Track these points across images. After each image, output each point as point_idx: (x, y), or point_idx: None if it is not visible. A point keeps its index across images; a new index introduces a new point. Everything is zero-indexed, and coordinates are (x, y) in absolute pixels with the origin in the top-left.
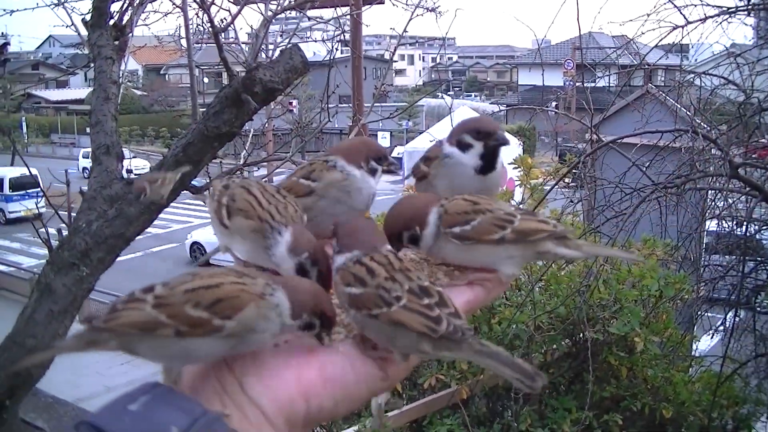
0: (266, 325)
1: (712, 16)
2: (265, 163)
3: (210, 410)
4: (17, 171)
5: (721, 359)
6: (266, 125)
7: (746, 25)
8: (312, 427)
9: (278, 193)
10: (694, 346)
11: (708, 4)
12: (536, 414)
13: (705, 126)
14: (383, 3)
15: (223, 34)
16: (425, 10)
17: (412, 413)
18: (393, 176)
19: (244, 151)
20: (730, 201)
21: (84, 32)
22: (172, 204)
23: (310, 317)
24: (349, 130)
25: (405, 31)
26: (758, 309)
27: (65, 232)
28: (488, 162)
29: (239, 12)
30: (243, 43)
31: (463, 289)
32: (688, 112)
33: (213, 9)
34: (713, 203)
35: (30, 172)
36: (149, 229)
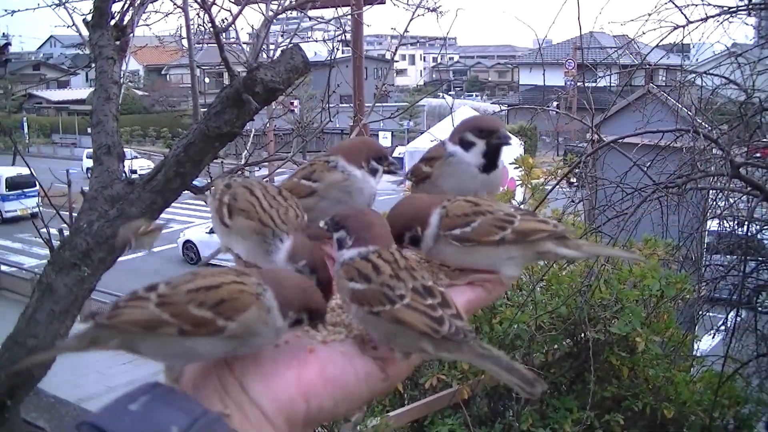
0: (265, 329)
1: (713, 16)
2: (266, 163)
3: (210, 410)
4: (13, 170)
5: (723, 359)
6: (267, 125)
7: (747, 24)
8: (312, 427)
9: (280, 195)
10: (695, 346)
11: (709, 4)
12: (537, 414)
13: (706, 126)
14: (384, 3)
15: (224, 34)
16: (426, 10)
17: (413, 413)
18: (394, 176)
19: (246, 151)
20: (732, 201)
21: (85, 32)
22: (173, 204)
23: (298, 313)
24: (350, 130)
25: (406, 31)
26: (759, 309)
27: (66, 233)
28: (491, 160)
29: (240, 12)
30: (244, 43)
31: (464, 289)
32: (689, 112)
33: (214, 9)
34: (714, 203)
35: (31, 171)
36: None
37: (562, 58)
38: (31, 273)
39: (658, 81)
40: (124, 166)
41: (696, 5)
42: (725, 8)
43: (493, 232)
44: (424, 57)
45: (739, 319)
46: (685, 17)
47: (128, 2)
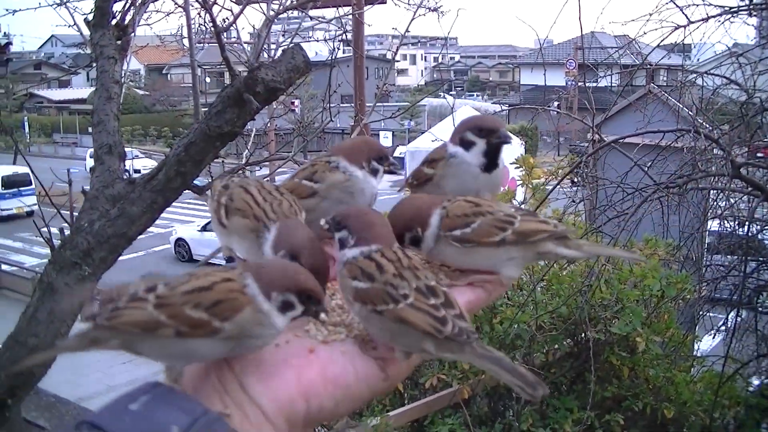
0: (261, 329)
1: (714, 16)
2: (267, 163)
3: (210, 410)
4: (9, 169)
5: (723, 359)
6: (268, 125)
7: (748, 24)
8: (312, 426)
9: (276, 190)
10: (695, 346)
11: (710, 4)
12: (538, 414)
13: (707, 126)
14: (385, 3)
15: (225, 34)
16: (427, 10)
17: (413, 413)
18: (394, 176)
19: (246, 150)
20: (732, 201)
21: (86, 32)
22: (173, 203)
23: (282, 294)
24: (351, 130)
25: (407, 30)
26: (760, 309)
27: (67, 232)
28: (492, 159)
29: (241, 11)
30: (245, 42)
31: (464, 289)
32: (690, 112)
33: (215, 8)
34: (715, 203)
35: (32, 170)
36: (151, 229)
37: (563, 58)
38: (32, 272)
39: (659, 81)
40: (125, 166)
41: (697, 5)
42: (726, 8)
43: (494, 233)
44: (425, 57)
45: (739, 319)
46: (686, 17)
47: (129, 2)
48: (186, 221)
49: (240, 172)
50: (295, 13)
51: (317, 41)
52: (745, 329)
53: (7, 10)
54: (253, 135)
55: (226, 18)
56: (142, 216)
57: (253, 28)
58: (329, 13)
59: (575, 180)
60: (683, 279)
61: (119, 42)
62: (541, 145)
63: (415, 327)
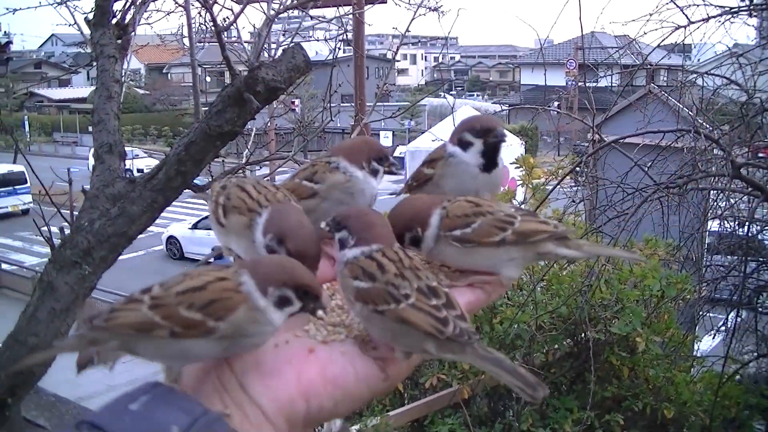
0: (256, 327)
1: (714, 16)
2: (267, 162)
3: (210, 410)
4: (4, 168)
5: (723, 359)
6: (268, 124)
7: (749, 25)
8: (313, 426)
9: (272, 186)
10: (695, 347)
11: (710, 4)
12: (538, 414)
13: (707, 126)
14: (386, 2)
15: (225, 33)
16: (428, 10)
17: (413, 412)
18: (394, 176)
19: (247, 150)
20: (732, 201)
21: (87, 31)
22: (173, 203)
23: (280, 290)
24: (352, 130)
25: (407, 30)
26: (760, 309)
27: (67, 231)
28: (490, 159)
29: (242, 11)
30: (245, 42)
31: (464, 290)
32: (690, 112)
33: (215, 8)
34: (715, 203)
35: (32, 170)
36: (151, 228)
37: (564, 58)
38: (32, 271)
39: (659, 81)
40: (125, 165)
41: (697, 5)
42: (727, 8)
43: (494, 233)
44: (426, 56)
45: (739, 319)
46: (687, 17)
47: (130, 1)
48: (186, 221)
49: (240, 171)
50: (296, 13)
51: (318, 41)
52: (744, 329)
53: (7, 9)
54: (253, 134)
55: (227, 17)
56: (142, 215)
57: (254, 27)
58: (330, 12)
59: (578, 179)
60: (683, 279)
61: (119, 41)
62: (542, 145)
63: (417, 327)
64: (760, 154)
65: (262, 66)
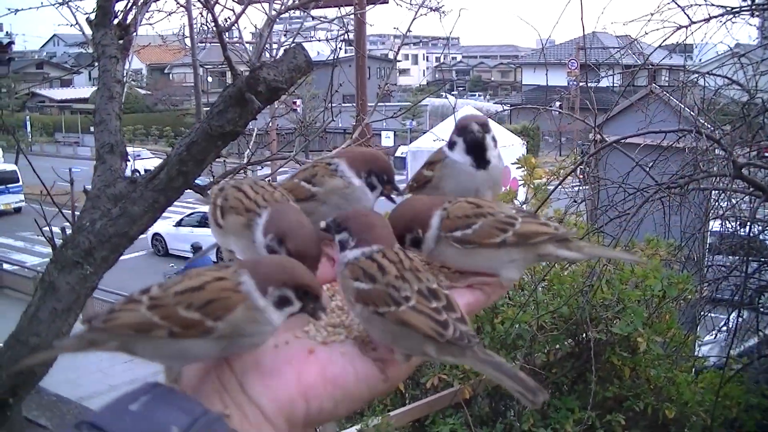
0: (256, 328)
1: (716, 16)
2: (268, 162)
3: (210, 410)
4: None
5: (724, 360)
6: (270, 124)
7: (750, 25)
8: (313, 427)
9: (269, 185)
10: (696, 347)
11: (712, 4)
12: (539, 414)
13: (709, 126)
14: (387, 2)
15: (227, 34)
16: (429, 10)
17: (414, 412)
18: (390, 202)
19: (248, 150)
20: (734, 201)
21: (88, 31)
22: (175, 203)
23: (280, 290)
24: (353, 130)
25: (409, 30)
26: (761, 310)
27: (69, 231)
28: (477, 155)
29: (243, 11)
30: (247, 42)
31: (463, 291)
32: (691, 112)
33: (217, 8)
34: (717, 203)
35: (33, 170)
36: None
37: (565, 58)
38: (33, 271)
39: (660, 81)
40: (127, 165)
41: (699, 5)
42: (728, 8)
43: (494, 235)
44: (427, 57)
45: (740, 319)
46: (688, 17)
47: (131, 1)
48: (171, 218)
49: (242, 171)
50: (297, 13)
51: (319, 41)
52: (746, 330)
53: (9, 9)
54: (254, 134)
55: (228, 17)
56: (143, 215)
57: (255, 27)
58: (331, 12)
59: (580, 178)
60: (685, 279)
61: (121, 41)
62: (543, 145)
63: (417, 330)
64: (761, 155)
65: (263, 66)
